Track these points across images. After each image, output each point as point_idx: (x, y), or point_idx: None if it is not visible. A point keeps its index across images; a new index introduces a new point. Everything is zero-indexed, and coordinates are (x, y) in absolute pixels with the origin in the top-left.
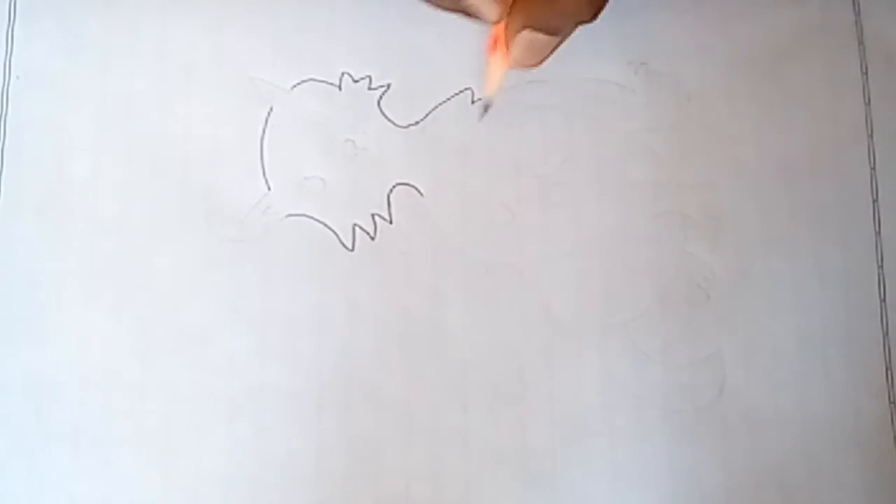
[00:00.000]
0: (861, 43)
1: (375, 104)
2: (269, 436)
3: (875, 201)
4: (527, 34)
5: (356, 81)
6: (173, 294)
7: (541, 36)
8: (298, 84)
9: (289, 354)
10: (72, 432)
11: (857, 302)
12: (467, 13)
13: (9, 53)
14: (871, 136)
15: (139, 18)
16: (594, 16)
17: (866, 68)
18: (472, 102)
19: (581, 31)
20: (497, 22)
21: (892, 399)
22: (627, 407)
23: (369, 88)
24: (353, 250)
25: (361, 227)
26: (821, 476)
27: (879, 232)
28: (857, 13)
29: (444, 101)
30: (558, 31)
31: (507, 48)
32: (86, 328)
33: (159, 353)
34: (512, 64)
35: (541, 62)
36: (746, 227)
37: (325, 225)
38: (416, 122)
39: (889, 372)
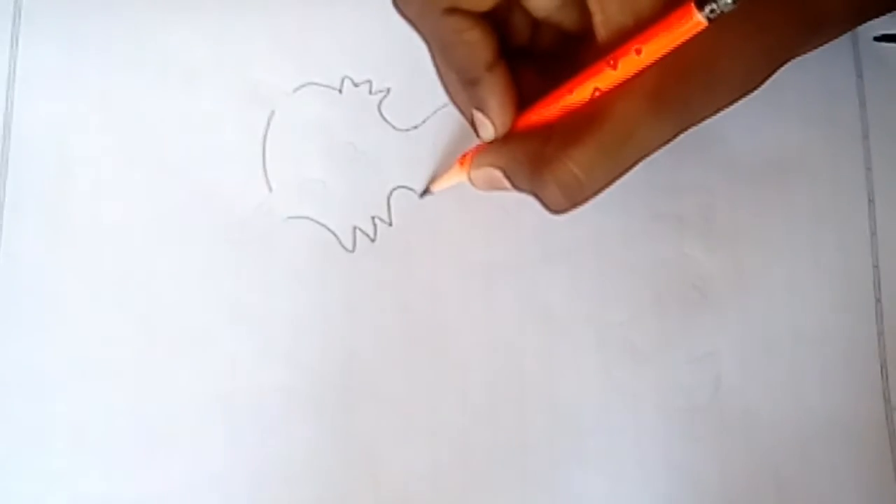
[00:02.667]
0: (856, 44)
1: (376, 108)
2: (270, 436)
3: (871, 202)
4: (491, 170)
5: (357, 85)
6: (175, 295)
7: (507, 184)
8: (300, 87)
9: (289, 355)
10: (73, 432)
11: (853, 302)
12: (467, 119)
13: (13, 55)
14: (866, 137)
15: (142, 21)
16: (563, 212)
17: (861, 70)
18: None
19: None
20: (484, 142)
21: (887, 398)
22: (625, 406)
23: (370, 93)
24: (353, 252)
25: (361, 230)
26: (816, 474)
27: (875, 232)
28: None
29: (444, 106)
30: (518, 190)
31: (470, 167)
32: (88, 328)
33: (161, 354)
34: (468, 181)
35: (490, 191)
36: (742, 228)
37: (326, 227)
38: (416, 126)
39: (884, 371)
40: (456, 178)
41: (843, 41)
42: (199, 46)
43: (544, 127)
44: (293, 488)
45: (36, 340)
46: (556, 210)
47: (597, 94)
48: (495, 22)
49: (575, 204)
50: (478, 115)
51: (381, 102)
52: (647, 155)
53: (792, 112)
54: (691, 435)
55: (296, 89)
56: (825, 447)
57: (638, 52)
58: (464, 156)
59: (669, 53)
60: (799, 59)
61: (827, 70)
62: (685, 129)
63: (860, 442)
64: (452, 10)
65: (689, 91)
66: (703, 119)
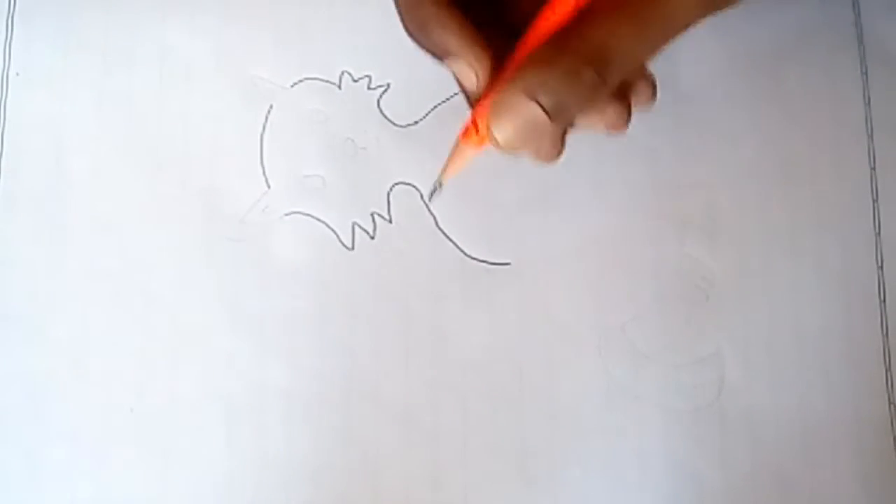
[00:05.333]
0: (861, 43)
1: (375, 103)
2: (268, 435)
3: (875, 201)
4: (526, 107)
5: (356, 80)
6: (172, 292)
7: (538, 112)
8: (298, 83)
9: (288, 354)
10: (71, 431)
11: (857, 302)
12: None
13: (8, 51)
14: (870, 136)
15: (139, 16)
16: (596, 93)
17: (866, 68)
18: None
19: None
20: (478, 97)
21: (891, 399)
22: (626, 407)
23: (369, 88)
24: (352, 249)
25: (361, 227)
26: (820, 475)
27: (879, 232)
28: (857, 13)
29: (444, 101)
30: (571, 115)
31: (486, 125)
32: (85, 327)
33: (158, 352)
34: (492, 144)
35: (529, 150)
36: (745, 227)
37: (325, 224)
38: (416, 122)
39: (888, 372)
40: (465, 155)
41: (849, 39)
42: (197, 41)
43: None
44: (292, 488)
45: (32, 340)
46: (592, 98)
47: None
48: None
49: (610, 71)
50: (451, 65)
51: (380, 98)
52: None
53: (796, 111)
54: (694, 436)
55: (294, 84)
56: (829, 448)
57: None
58: (465, 129)
59: None
60: (804, 57)
61: (832, 69)
62: None
63: (864, 442)
64: None
65: None
66: None
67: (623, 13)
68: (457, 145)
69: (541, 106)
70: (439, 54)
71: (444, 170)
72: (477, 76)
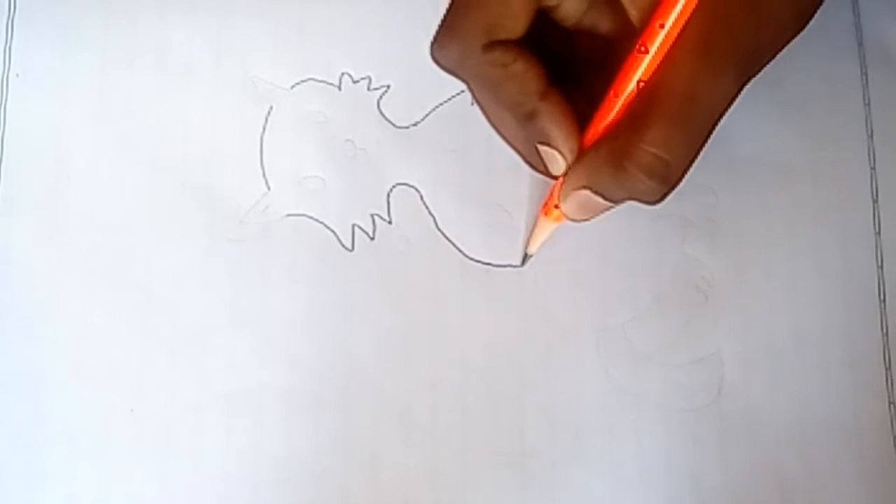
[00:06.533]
0: (860, 44)
1: (375, 105)
2: (268, 435)
3: (875, 202)
4: (579, 193)
5: (356, 82)
6: (172, 293)
7: (599, 199)
8: (298, 84)
9: (287, 354)
10: (70, 431)
11: (857, 303)
12: (531, 161)
13: (8, 51)
14: (870, 136)
15: (138, 16)
16: (662, 198)
17: (866, 69)
18: (472, 104)
19: None
20: (559, 177)
21: (891, 400)
22: (626, 407)
23: (369, 89)
24: (352, 250)
25: (361, 228)
26: (819, 476)
27: (879, 233)
28: (857, 14)
29: (444, 102)
30: (618, 203)
31: (560, 203)
32: (84, 327)
33: (158, 352)
34: (561, 219)
35: (590, 217)
36: (745, 228)
37: (325, 225)
38: (416, 123)
39: (888, 373)
40: (547, 229)
41: (848, 40)
42: (197, 42)
43: (607, 132)
44: (292, 489)
45: (32, 340)
46: (654, 199)
47: (641, 85)
48: (533, 45)
49: (670, 185)
50: (544, 150)
51: (380, 99)
52: (720, 114)
53: (796, 111)
54: (693, 436)
55: (294, 85)
56: (828, 449)
57: (661, 26)
58: (545, 205)
59: (706, 6)
60: (804, 57)
61: (831, 69)
62: (747, 76)
63: (864, 443)
64: (491, 45)
65: (737, 37)
66: (762, 63)
67: (680, 127)
68: (538, 219)
69: (605, 198)
70: (533, 137)
71: (528, 241)
72: (566, 163)
